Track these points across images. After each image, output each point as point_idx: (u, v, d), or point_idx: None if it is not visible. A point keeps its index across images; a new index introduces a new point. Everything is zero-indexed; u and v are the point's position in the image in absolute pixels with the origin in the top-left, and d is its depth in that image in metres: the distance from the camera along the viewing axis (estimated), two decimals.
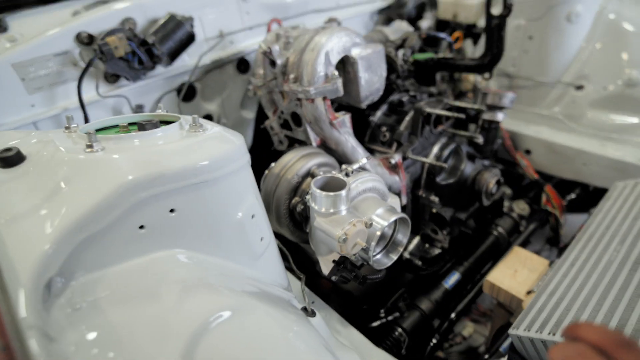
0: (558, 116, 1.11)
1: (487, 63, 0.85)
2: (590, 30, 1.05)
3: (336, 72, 0.72)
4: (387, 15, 1.23)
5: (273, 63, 0.77)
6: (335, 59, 0.73)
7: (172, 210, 0.41)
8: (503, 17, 0.78)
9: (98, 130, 0.49)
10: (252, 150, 1.09)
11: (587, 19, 1.04)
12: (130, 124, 0.50)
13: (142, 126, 0.47)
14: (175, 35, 0.80)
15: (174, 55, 0.82)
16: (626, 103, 1.01)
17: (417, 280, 0.93)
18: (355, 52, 0.75)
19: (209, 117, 0.98)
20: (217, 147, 0.44)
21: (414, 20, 1.21)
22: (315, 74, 0.72)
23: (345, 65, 0.77)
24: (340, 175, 0.60)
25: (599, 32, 1.05)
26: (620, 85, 1.02)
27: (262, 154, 0.87)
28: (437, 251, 0.90)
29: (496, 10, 0.82)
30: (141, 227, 0.39)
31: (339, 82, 0.73)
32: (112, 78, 0.81)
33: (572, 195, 1.09)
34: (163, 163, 0.40)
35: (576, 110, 1.08)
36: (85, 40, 0.75)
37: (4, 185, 0.39)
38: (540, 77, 1.11)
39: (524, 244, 1.02)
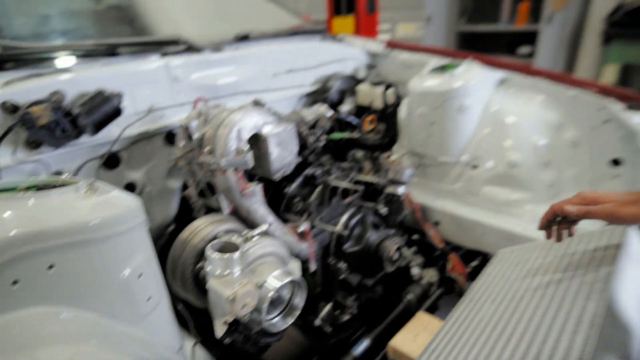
0: (460, 191, 1.25)
1: (387, 143, 0.98)
2: (481, 119, 1.24)
3: (246, 147, 0.81)
4: (313, 99, 1.38)
5: (190, 137, 0.84)
6: (246, 135, 0.82)
7: (50, 267, 0.44)
8: (395, 106, 0.93)
9: None
10: (177, 218, 1.12)
11: (476, 110, 1.23)
12: (31, 187, 0.54)
13: (39, 188, 0.51)
14: (102, 109, 0.86)
15: (99, 126, 0.87)
16: (511, 181, 1.17)
17: (329, 349, 0.95)
18: (265, 130, 0.85)
19: (131, 185, 1.02)
20: (106, 208, 0.49)
21: (336, 105, 1.36)
22: (227, 148, 0.80)
23: (257, 141, 0.86)
24: (238, 240, 0.65)
25: (487, 121, 1.24)
26: (505, 165, 1.18)
27: (185, 221, 0.91)
28: (347, 317, 0.94)
29: (392, 100, 0.96)
30: (14, 282, 0.42)
31: (249, 156, 0.81)
32: (33, 144, 0.84)
33: (475, 263, 1.20)
34: (46, 220, 0.43)
35: (473, 186, 1.23)
36: (10, 109, 0.80)
37: None
38: (442, 157, 1.26)
39: (432, 310, 1.09)
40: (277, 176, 0.89)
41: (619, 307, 0.55)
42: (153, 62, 1.02)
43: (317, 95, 1.37)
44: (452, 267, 1.14)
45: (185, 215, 1.09)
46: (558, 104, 1.21)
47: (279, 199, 0.97)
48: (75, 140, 0.88)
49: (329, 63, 1.45)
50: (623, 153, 1.10)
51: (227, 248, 0.64)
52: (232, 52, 1.18)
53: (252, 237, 0.69)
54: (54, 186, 0.51)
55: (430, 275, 1.13)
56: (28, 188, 0.53)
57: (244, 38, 1.28)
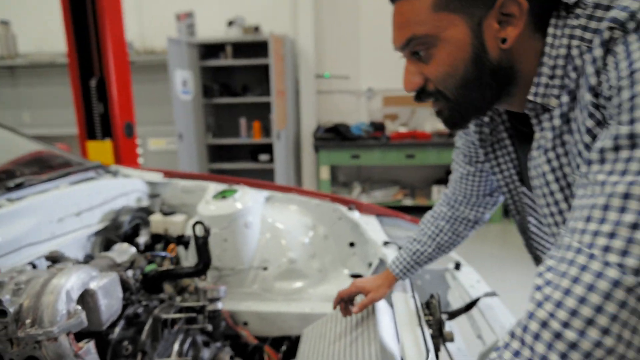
0: (257, 291, 1.51)
1: (202, 269, 1.15)
2: (261, 229, 1.58)
3: (79, 307, 0.82)
4: (104, 236, 1.39)
5: (2, 313, 0.78)
6: (76, 295, 0.83)
7: None
8: (205, 238, 1.13)
9: None
10: None
11: (257, 223, 1.57)
12: None
13: None
14: None
15: None
16: (293, 274, 1.53)
17: None
18: (93, 285, 0.88)
19: None
20: None
21: (131, 237, 1.42)
22: (57, 314, 0.79)
23: (84, 297, 0.87)
24: None
25: (265, 229, 1.58)
26: (287, 262, 1.54)
27: None
28: None
29: (199, 232, 1.16)
30: None
31: (83, 315, 0.82)
32: None
33: (284, 347, 1.45)
34: None
35: (267, 284, 1.51)
36: None
37: None
38: (239, 266, 1.51)
39: None
40: (106, 326, 0.91)
41: (384, 343, 0.91)
42: None
43: (108, 232, 1.40)
44: (269, 357, 1.34)
45: None
46: (308, 210, 1.70)
47: (104, 349, 0.96)
48: None
49: (114, 199, 1.51)
50: (354, 238, 1.65)
51: None
52: (10, 207, 1.11)
53: None
54: None
55: None
56: None
57: (17, 186, 1.21)
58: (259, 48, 4.17)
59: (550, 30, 0.55)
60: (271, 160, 4.27)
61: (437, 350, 0.92)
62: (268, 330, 1.47)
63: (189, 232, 1.52)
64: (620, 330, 0.40)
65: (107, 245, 1.36)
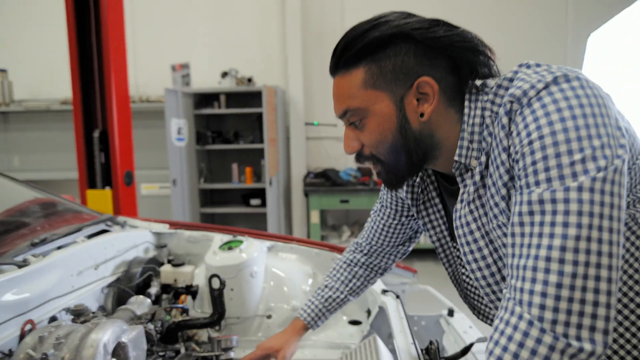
0: (262, 339, 1.57)
1: (217, 319, 1.23)
2: (265, 277, 1.66)
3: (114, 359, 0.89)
4: (116, 288, 1.46)
5: None
6: (111, 348, 0.91)
7: None
8: (221, 290, 1.22)
9: None
10: None
11: (261, 272, 1.65)
12: None
13: None
14: None
15: None
16: None
17: None
18: (125, 338, 0.95)
19: None
20: None
21: (143, 289, 1.49)
22: None
23: (116, 350, 0.94)
24: None
25: (268, 277, 1.67)
26: (289, 310, 1.62)
27: None
28: None
29: (215, 285, 1.25)
30: None
31: None
32: None
33: None
34: None
35: (271, 332, 1.58)
36: None
37: None
38: (244, 314, 1.58)
39: None
40: None
41: None
42: None
43: (121, 283, 1.46)
44: None
45: None
46: (308, 259, 1.80)
47: None
48: None
49: (126, 251, 1.59)
50: None
51: None
52: (38, 263, 1.18)
53: None
54: None
55: None
56: None
57: (40, 242, 1.29)
58: (251, 97, 4.40)
59: (466, 103, 0.68)
60: (262, 204, 4.37)
61: None
62: None
63: (196, 282, 1.60)
64: None
65: (119, 298, 1.42)
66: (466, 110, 0.67)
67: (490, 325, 1.01)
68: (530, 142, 0.55)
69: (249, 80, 4.39)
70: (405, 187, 0.89)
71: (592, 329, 0.50)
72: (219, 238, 1.76)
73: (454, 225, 0.72)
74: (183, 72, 4.49)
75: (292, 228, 4.74)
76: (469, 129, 0.67)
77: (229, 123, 4.77)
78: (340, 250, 1.81)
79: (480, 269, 0.69)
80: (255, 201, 4.45)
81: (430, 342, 1.09)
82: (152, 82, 4.80)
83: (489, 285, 0.71)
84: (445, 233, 0.87)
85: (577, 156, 0.52)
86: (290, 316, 1.61)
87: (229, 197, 4.79)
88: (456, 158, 0.68)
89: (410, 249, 1.09)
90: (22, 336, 1.01)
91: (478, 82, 0.69)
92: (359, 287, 1.10)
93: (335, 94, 0.72)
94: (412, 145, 0.69)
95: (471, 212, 0.68)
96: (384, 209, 1.01)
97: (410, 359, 1.08)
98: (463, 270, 0.92)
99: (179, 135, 4.15)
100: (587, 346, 0.49)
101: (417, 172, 0.78)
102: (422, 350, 1.12)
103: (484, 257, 0.68)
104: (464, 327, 1.39)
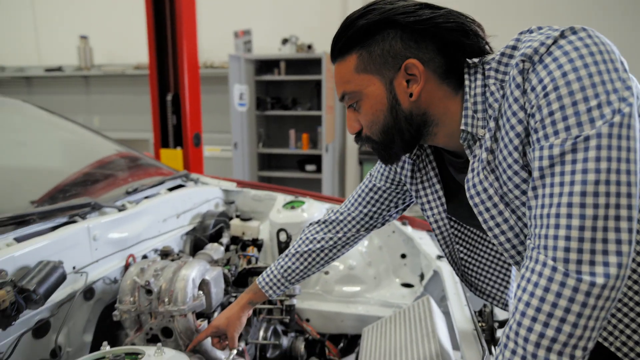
0: (319, 292, 1.70)
1: None
2: None
3: (200, 292, 1.04)
4: (193, 236, 1.63)
5: (149, 291, 1.01)
6: (197, 283, 1.05)
7: None
8: (287, 242, 1.34)
9: None
10: None
11: None
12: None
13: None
14: (51, 279, 0.93)
15: (47, 296, 0.93)
16: (352, 279, 1.71)
17: None
18: (208, 276, 1.10)
19: (55, 351, 1.02)
20: None
21: (215, 238, 1.65)
22: (187, 296, 1.01)
23: (200, 285, 1.09)
24: None
25: None
26: (346, 268, 1.72)
27: None
28: None
29: (283, 238, 1.37)
30: None
31: (203, 299, 1.04)
32: None
33: (341, 344, 1.63)
34: None
35: (328, 287, 1.70)
36: None
37: None
38: None
39: None
40: (213, 310, 1.13)
41: (442, 343, 1.08)
42: (76, 226, 1.12)
43: (197, 232, 1.63)
44: (329, 351, 1.53)
45: None
46: None
47: None
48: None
49: (201, 204, 1.76)
50: (406, 250, 1.81)
51: None
52: (133, 208, 1.36)
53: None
54: (128, 355, 0.68)
55: None
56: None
57: (133, 191, 1.47)
58: (310, 64, 4.43)
59: (465, 77, 0.70)
60: (317, 170, 4.49)
61: (490, 352, 1.07)
62: (327, 327, 1.65)
63: (261, 235, 1.74)
64: (586, 322, 0.52)
65: (195, 244, 1.60)
66: (467, 83, 0.70)
67: (488, 301, 1.03)
68: (546, 95, 0.57)
69: (309, 47, 4.41)
70: (406, 167, 0.90)
71: (619, 265, 0.52)
72: (282, 198, 1.88)
73: (468, 195, 0.72)
74: (245, 38, 4.60)
75: (345, 195, 4.84)
76: (471, 100, 0.69)
77: (288, 89, 4.86)
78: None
79: (503, 232, 0.70)
80: (310, 167, 4.57)
81: (484, 305, 1.14)
82: (215, 49, 4.98)
83: (514, 247, 0.71)
84: (444, 215, 0.88)
85: (593, 102, 0.55)
86: (346, 274, 1.71)
87: (286, 161, 4.96)
88: (462, 127, 0.70)
89: (377, 227, 1.06)
90: (126, 267, 1.20)
91: (476, 60, 0.71)
92: (318, 263, 1.05)
93: (335, 79, 0.77)
94: (403, 124, 0.73)
95: (486, 178, 0.69)
96: (384, 174, 0.98)
97: (465, 320, 1.14)
98: (460, 249, 0.93)
99: (240, 101, 4.32)
100: (609, 281, 0.52)
101: (412, 149, 0.80)
102: (475, 312, 1.17)
103: (506, 220, 0.69)
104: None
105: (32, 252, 0.97)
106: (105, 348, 0.73)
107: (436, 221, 0.89)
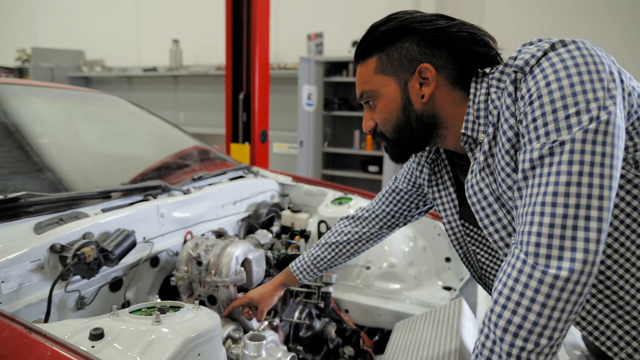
0: (360, 286, 1.78)
1: None
2: None
3: (242, 269, 1.19)
4: (247, 223, 1.80)
5: (200, 263, 1.18)
6: (240, 260, 1.20)
7: (199, 354, 0.76)
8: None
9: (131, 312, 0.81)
10: None
11: None
12: (148, 307, 0.83)
13: (162, 310, 0.81)
14: (125, 244, 1.14)
15: (121, 258, 1.13)
16: (392, 276, 1.76)
17: None
18: (250, 255, 1.24)
19: (126, 303, 1.24)
20: (210, 320, 0.82)
21: (267, 226, 1.81)
22: (230, 270, 1.16)
23: (243, 263, 1.24)
24: (260, 332, 1.01)
25: None
26: (387, 265, 1.77)
27: None
28: None
29: (323, 229, 1.47)
30: None
31: (244, 274, 1.18)
32: (64, 277, 1.05)
33: (376, 338, 1.69)
34: (197, 326, 0.76)
35: (369, 281, 1.77)
36: (59, 250, 1.02)
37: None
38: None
39: None
40: (254, 287, 1.27)
41: (463, 341, 1.10)
42: (148, 204, 1.33)
43: (250, 219, 1.80)
44: (363, 342, 1.60)
45: None
46: (411, 223, 1.91)
47: None
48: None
49: (257, 194, 1.93)
50: (450, 253, 1.81)
51: (256, 337, 0.99)
52: (196, 193, 1.56)
53: (262, 328, 1.04)
54: (172, 307, 0.83)
55: (349, 350, 1.57)
56: (156, 309, 0.83)
57: (198, 178, 1.68)
58: None
59: (472, 84, 0.75)
60: (379, 171, 4.52)
61: None
62: (364, 320, 1.72)
63: (309, 227, 1.86)
64: (551, 312, 0.55)
65: (249, 230, 1.76)
66: (472, 90, 0.75)
67: None
68: (532, 102, 0.62)
69: None
70: (424, 170, 0.96)
71: (584, 261, 0.55)
72: (332, 194, 1.99)
73: (467, 195, 0.77)
74: (317, 41, 4.79)
75: None
76: (474, 106, 0.74)
77: (355, 91, 4.95)
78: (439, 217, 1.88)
79: (497, 230, 0.74)
80: (373, 168, 4.62)
81: None
82: (289, 51, 5.24)
83: (506, 245, 0.75)
84: (456, 217, 0.92)
85: (572, 110, 0.58)
86: (387, 271, 1.77)
87: (349, 161, 5.06)
88: (463, 130, 0.75)
89: (400, 226, 1.15)
90: (185, 242, 1.39)
91: (487, 69, 0.77)
92: (348, 252, 1.15)
93: (357, 80, 0.85)
94: (414, 124, 0.79)
95: (482, 179, 0.74)
96: (406, 176, 1.06)
97: None
98: (477, 250, 0.95)
99: (308, 101, 4.51)
100: (573, 275, 0.55)
101: (422, 149, 0.85)
102: None
103: (499, 219, 0.74)
104: None
105: (113, 221, 1.19)
106: (156, 300, 0.89)
107: (449, 222, 0.94)
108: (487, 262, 0.98)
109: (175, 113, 6.26)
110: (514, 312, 0.58)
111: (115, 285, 1.20)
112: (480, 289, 1.34)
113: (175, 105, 6.29)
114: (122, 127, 2.28)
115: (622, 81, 0.62)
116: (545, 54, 0.63)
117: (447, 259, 1.82)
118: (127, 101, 2.21)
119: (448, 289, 1.75)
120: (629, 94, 0.63)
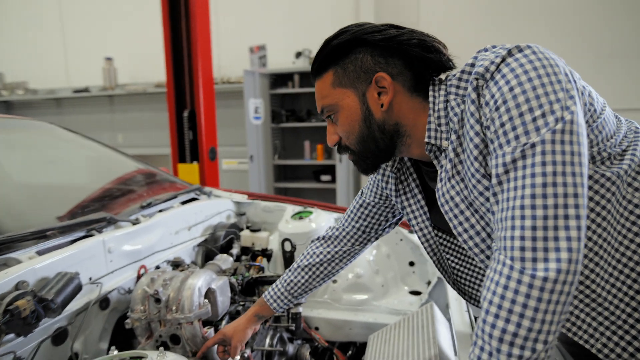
0: (328, 300, 1.74)
1: None
2: None
3: (206, 300, 1.09)
4: (204, 247, 1.70)
5: (158, 300, 1.07)
6: (204, 291, 1.11)
7: None
8: (292, 252, 1.38)
9: None
10: None
11: None
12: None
13: None
14: (68, 289, 1.01)
15: (64, 306, 1.00)
16: (359, 287, 1.73)
17: None
18: (213, 285, 1.16)
19: (75, 356, 1.10)
20: None
21: (225, 249, 1.71)
22: (193, 304, 1.07)
23: (207, 294, 1.15)
24: None
25: None
26: (354, 276, 1.75)
27: None
28: None
29: (288, 247, 1.41)
30: None
31: (209, 307, 1.10)
32: None
33: (350, 352, 1.65)
34: None
35: (336, 295, 1.73)
36: None
37: None
38: None
39: None
40: (219, 318, 1.18)
41: (442, 348, 1.09)
42: (92, 240, 1.20)
43: (208, 244, 1.70)
44: (337, 359, 1.55)
45: None
46: None
47: None
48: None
49: (213, 216, 1.83)
50: (413, 257, 1.82)
51: None
52: (146, 222, 1.44)
53: None
54: (133, 358, 0.73)
55: None
56: None
57: (147, 205, 1.56)
58: None
59: (430, 93, 0.76)
60: (332, 180, 4.53)
61: None
62: (336, 335, 1.68)
63: (271, 246, 1.79)
64: (544, 316, 0.54)
65: (207, 255, 1.66)
66: (431, 99, 0.76)
67: (480, 307, 1.03)
68: (497, 108, 0.63)
69: None
70: (390, 181, 0.94)
71: (569, 260, 0.55)
72: (291, 209, 1.93)
73: (439, 203, 0.77)
74: (260, 53, 4.73)
75: None
76: (435, 114, 0.75)
77: (302, 102, 4.95)
78: (403, 224, 1.89)
79: (471, 237, 0.75)
80: (325, 177, 4.62)
81: None
82: (232, 64, 5.13)
83: (482, 251, 0.75)
84: (427, 223, 0.92)
85: (538, 112, 0.59)
86: (353, 283, 1.74)
87: (301, 172, 5.03)
88: (425, 140, 0.75)
89: (372, 242, 1.11)
90: (138, 277, 1.27)
91: (443, 76, 0.77)
92: (323, 272, 1.10)
93: (316, 95, 0.84)
94: (377, 134, 0.78)
95: (453, 187, 0.74)
96: (372, 189, 1.01)
97: (464, 325, 1.15)
98: (449, 257, 0.95)
99: (256, 114, 4.43)
100: (560, 275, 0.55)
101: (388, 159, 0.84)
102: (475, 318, 1.18)
103: (472, 226, 0.74)
104: None
105: (52, 264, 1.05)
106: (114, 352, 0.79)
107: (421, 229, 0.93)
108: (459, 267, 0.97)
109: (113, 135, 5.89)
110: (507, 320, 0.56)
111: (60, 337, 1.06)
112: (450, 290, 1.35)
113: (112, 126, 5.92)
114: (54, 153, 2.08)
115: (575, 81, 0.64)
116: (503, 60, 0.64)
117: (411, 263, 1.83)
118: (57, 125, 2.01)
119: (416, 293, 1.76)
120: (582, 93, 0.66)
